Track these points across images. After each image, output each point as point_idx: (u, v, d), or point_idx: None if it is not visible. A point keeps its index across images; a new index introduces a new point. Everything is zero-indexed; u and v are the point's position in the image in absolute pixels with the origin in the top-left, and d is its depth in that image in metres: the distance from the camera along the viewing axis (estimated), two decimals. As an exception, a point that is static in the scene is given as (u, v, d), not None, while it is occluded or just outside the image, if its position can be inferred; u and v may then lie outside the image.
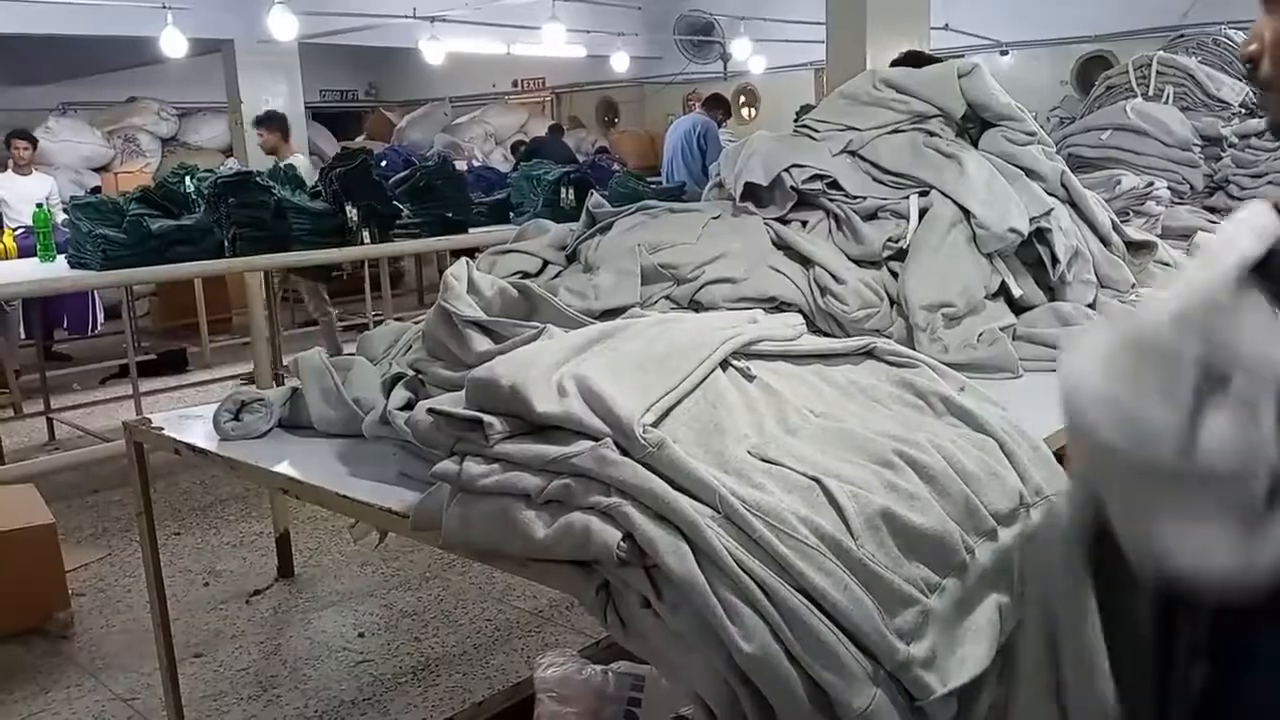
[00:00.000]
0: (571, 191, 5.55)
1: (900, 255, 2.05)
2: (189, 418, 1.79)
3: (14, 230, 5.81)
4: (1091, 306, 2.09)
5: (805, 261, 2.03)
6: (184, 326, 7.71)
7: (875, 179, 2.20)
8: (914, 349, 1.89)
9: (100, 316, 6.38)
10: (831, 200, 2.15)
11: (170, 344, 7.26)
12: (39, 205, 5.09)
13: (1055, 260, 2.05)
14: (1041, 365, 1.92)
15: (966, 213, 2.03)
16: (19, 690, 2.94)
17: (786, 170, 2.18)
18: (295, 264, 4.69)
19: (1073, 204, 2.22)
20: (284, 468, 1.54)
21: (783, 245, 2.08)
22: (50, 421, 5.46)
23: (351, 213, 4.80)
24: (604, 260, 2.12)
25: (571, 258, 2.27)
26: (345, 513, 1.41)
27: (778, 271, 2.01)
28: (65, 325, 6.50)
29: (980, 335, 1.94)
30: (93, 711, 2.82)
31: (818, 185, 2.16)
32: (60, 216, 5.77)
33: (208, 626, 3.29)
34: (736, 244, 2.08)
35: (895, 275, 2.04)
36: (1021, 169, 2.16)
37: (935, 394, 1.33)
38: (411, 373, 1.58)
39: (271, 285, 6.36)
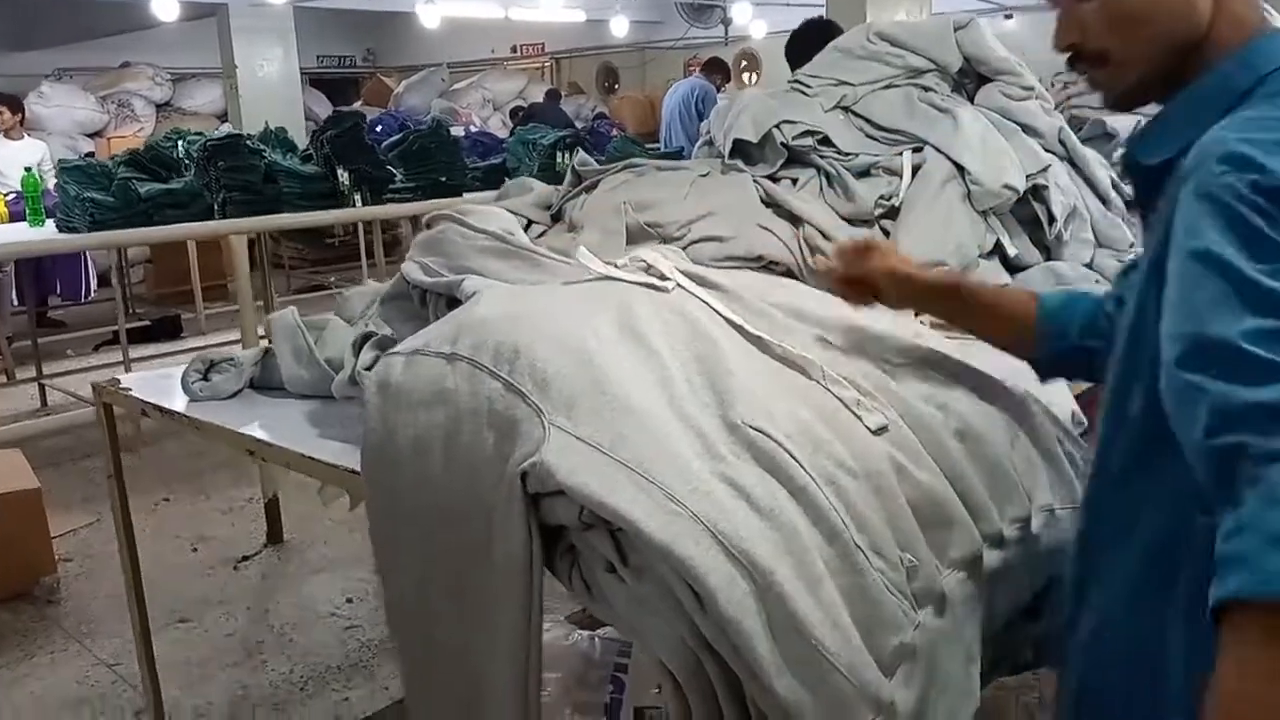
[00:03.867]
0: (567, 156, 5.47)
1: (893, 213, 1.99)
2: (160, 379, 1.75)
3: (4, 196, 5.75)
4: (1089, 266, 2.03)
5: (795, 220, 1.97)
6: (179, 293, 7.64)
7: (868, 135, 2.15)
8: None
9: (94, 283, 6.32)
10: (823, 157, 2.09)
11: (165, 311, 7.20)
12: (27, 170, 5.02)
13: (1052, 218, 1.99)
14: (1036, 326, 1.86)
15: (961, 169, 1.97)
16: (3, 656, 2.91)
17: (777, 126, 2.12)
18: (285, 227, 4.63)
19: (1071, 162, 2.16)
20: (251, 429, 1.49)
21: (772, 203, 2.02)
22: (42, 387, 5.42)
23: (343, 176, 4.73)
24: (589, 219, 2.06)
25: (557, 217, 2.21)
26: (312, 475, 1.37)
27: (766, 230, 1.95)
28: (58, 291, 6.44)
29: (973, 295, 1.88)
30: (75, 676, 2.79)
31: (809, 142, 2.10)
32: (52, 182, 5.70)
33: (195, 592, 3.26)
34: (724, 202, 2.02)
35: (887, 234, 1.99)
36: (1018, 124, 2.10)
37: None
38: (381, 332, 1.53)
39: (263, 250, 6.31)
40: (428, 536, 1.06)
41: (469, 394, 1.06)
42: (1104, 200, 2.16)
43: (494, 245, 1.39)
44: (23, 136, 6.96)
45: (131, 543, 1.81)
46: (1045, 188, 1.98)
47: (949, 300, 1.21)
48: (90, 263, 6.33)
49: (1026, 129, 2.09)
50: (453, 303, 1.35)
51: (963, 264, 1.91)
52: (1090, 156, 2.19)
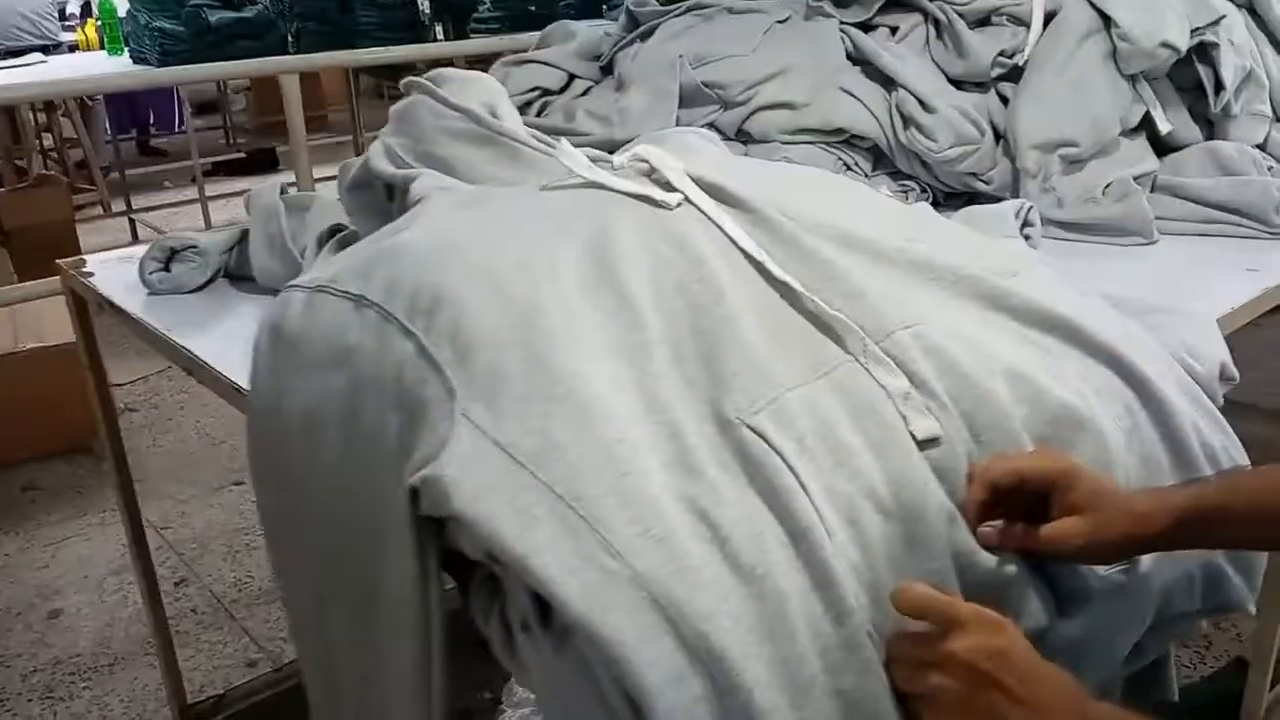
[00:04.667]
0: (669, -19, 5.00)
1: (1015, 74, 1.60)
2: (130, 260, 1.51)
3: (95, 20, 5.59)
4: (1262, 148, 1.60)
5: (888, 82, 1.60)
6: (280, 123, 7.48)
7: (992, -29, 1.72)
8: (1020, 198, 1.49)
9: (187, 112, 6.18)
10: (933, 0, 1.68)
11: (263, 143, 7.06)
12: (103, -7, 4.80)
13: (1220, 86, 1.56)
14: (1188, 227, 1.48)
15: (1107, 20, 1.55)
16: (57, 512, 2.87)
17: (875, -41, 1.71)
18: (360, 63, 4.34)
19: (1252, 10, 1.70)
20: (190, 337, 1.24)
21: (861, 60, 1.64)
22: (132, 222, 5.37)
23: (423, 4, 4.40)
24: (638, 76, 1.72)
25: (608, 69, 1.87)
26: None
27: (850, 95, 1.58)
28: (151, 122, 6.33)
29: (1108, 186, 1.49)
30: (123, 539, 2.72)
31: (914, -21, 1.69)
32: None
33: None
34: (802, 57, 1.65)
35: (1005, 101, 1.60)
36: (1190, -39, 1.64)
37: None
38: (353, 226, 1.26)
39: (350, 82, 6.05)
40: (323, 539, 0.81)
41: (374, 355, 0.78)
42: (1292, 61, 1.70)
43: (469, 128, 1.08)
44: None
45: (119, 452, 1.64)
46: (1215, 45, 1.55)
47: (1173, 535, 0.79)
48: (180, 91, 6.15)
49: (1199, -34, 1.64)
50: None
51: (1097, 144, 1.52)
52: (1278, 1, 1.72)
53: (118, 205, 5.59)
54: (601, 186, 0.93)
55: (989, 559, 0.75)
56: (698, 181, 0.92)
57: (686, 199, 0.91)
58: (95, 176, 5.73)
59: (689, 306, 0.81)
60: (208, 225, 5.12)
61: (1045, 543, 0.76)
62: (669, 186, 0.92)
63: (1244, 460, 0.94)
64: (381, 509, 0.73)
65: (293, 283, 0.87)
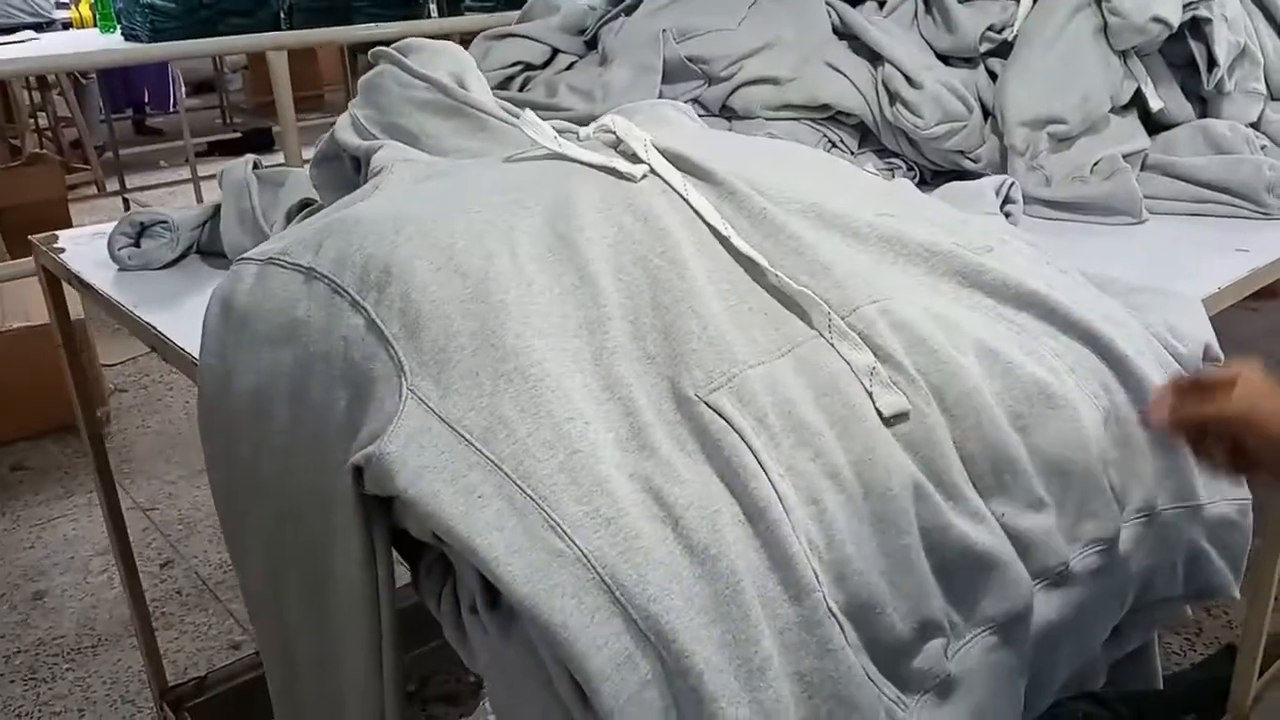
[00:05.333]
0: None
1: (1004, 50, 1.57)
2: (103, 237, 1.48)
3: (93, -5, 5.54)
4: (1255, 126, 1.57)
5: (874, 57, 1.57)
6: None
7: (982, -55, 1.68)
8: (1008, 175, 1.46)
9: (182, 92, 6.14)
10: (921, -27, 1.65)
11: (260, 122, 7.02)
12: (95, -31, 4.76)
13: (1213, 63, 1.53)
14: (1177, 207, 1.45)
15: (1097, -7, 1.52)
16: (45, 491, 2.85)
17: (863, -68, 1.68)
18: (352, 40, 4.29)
19: (1248, -17, 1.66)
20: (156, 314, 1.22)
21: (847, 34, 1.61)
22: (126, 202, 5.34)
23: (418, -20, 4.37)
24: (621, 51, 1.69)
25: (592, 44, 1.84)
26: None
27: (835, 70, 1.55)
28: (146, 100, 6.29)
29: (1096, 164, 1.47)
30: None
31: (903, -47, 1.65)
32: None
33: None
34: (788, 31, 1.62)
35: (994, 76, 1.57)
36: (1182, -68, 1.61)
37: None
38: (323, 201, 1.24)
39: (346, 61, 6.01)
40: (274, 519, 0.79)
41: (322, 330, 0.75)
42: (1286, 36, 1.67)
43: (435, 99, 1.05)
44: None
45: (98, 446, 1.62)
46: (1208, 21, 1.51)
47: None
48: (174, 69, 6.11)
49: (1192, -61, 1.60)
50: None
51: (1086, 121, 1.49)
52: (1275, -23, 1.69)
53: (112, 185, 5.56)
54: (566, 158, 0.90)
55: (961, 534, 0.73)
56: (664, 153, 0.90)
57: (652, 171, 0.88)
58: (89, 155, 5.69)
59: (650, 281, 0.78)
60: (200, 203, 5.10)
61: None
62: (635, 158, 0.89)
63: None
64: (329, 488, 0.71)
65: (244, 255, 0.85)
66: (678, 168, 0.89)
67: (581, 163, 0.89)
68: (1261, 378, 0.77)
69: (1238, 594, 0.95)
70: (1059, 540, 0.77)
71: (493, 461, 0.65)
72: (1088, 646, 0.85)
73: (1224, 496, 0.90)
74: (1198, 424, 0.78)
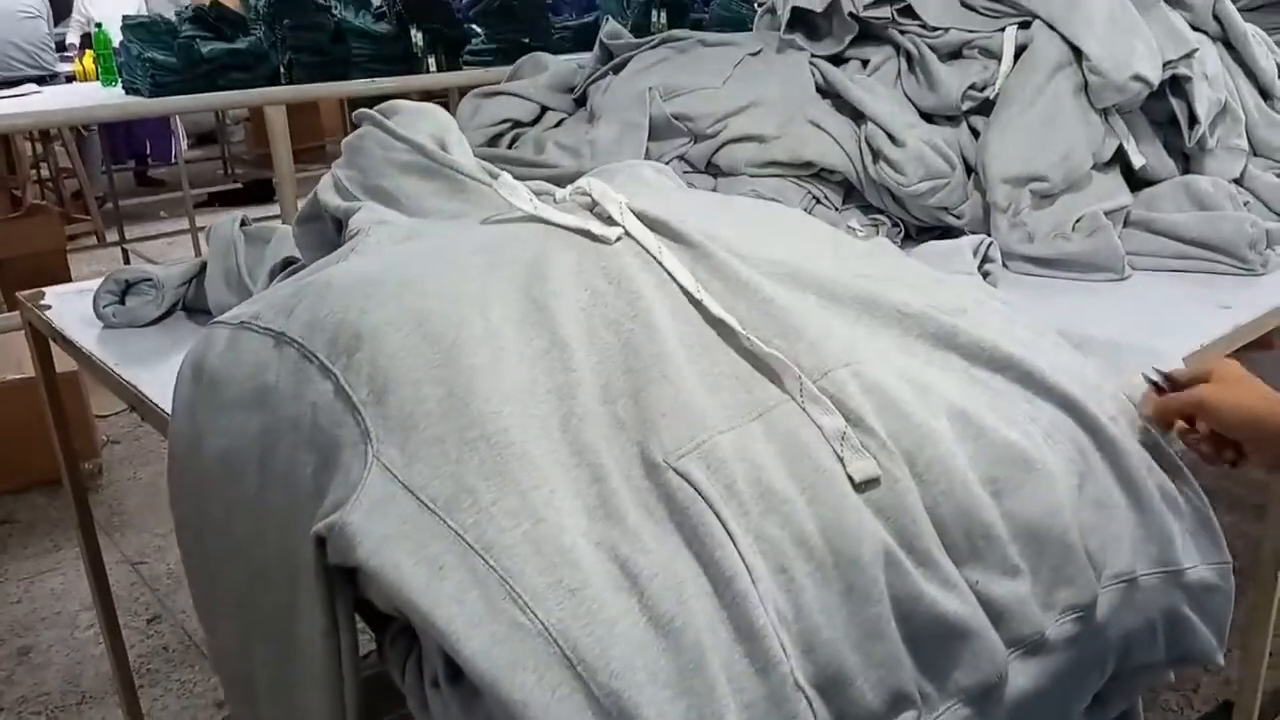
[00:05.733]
0: (664, 14, 5.01)
1: (985, 108, 1.58)
2: (89, 293, 1.49)
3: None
4: (1238, 181, 1.58)
5: (857, 115, 1.58)
6: (277, 154, 7.50)
7: (965, 3, 1.70)
8: (990, 234, 1.47)
9: (184, 144, 6.20)
10: (904, 33, 1.67)
11: (260, 173, 7.08)
12: (98, 26, 4.83)
13: (1194, 120, 1.54)
14: (1160, 264, 1.46)
15: (1078, 53, 1.54)
16: (33, 545, 2.83)
17: (847, -9, 1.70)
18: (350, 94, 4.34)
19: (1227, 43, 1.68)
20: (137, 372, 1.22)
21: (831, 93, 1.62)
22: (125, 252, 5.36)
23: (416, 37, 4.42)
24: (608, 108, 1.71)
25: (581, 102, 1.86)
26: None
27: (819, 128, 1.56)
28: (148, 151, 6.35)
29: (1079, 220, 1.47)
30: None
31: (886, 12, 1.67)
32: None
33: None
34: (772, 90, 1.63)
35: (977, 134, 1.58)
36: (1160, -7, 1.63)
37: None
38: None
39: (345, 114, 6.06)
40: (246, 581, 0.78)
41: (291, 396, 0.75)
42: (1264, 94, 1.69)
43: (415, 160, 1.05)
44: (119, -11, 6.78)
45: (90, 533, 1.62)
46: (1188, 79, 1.53)
47: None
48: (177, 122, 6.18)
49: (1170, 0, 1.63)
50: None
51: (1068, 179, 1.50)
52: (1253, 36, 1.71)
53: (112, 235, 5.59)
54: (541, 220, 0.91)
55: (933, 602, 0.72)
56: (640, 216, 0.90)
57: (627, 233, 0.88)
58: (90, 206, 5.73)
59: (622, 345, 0.78)
60: (199, 256, 5.12)
61: None
62: (611, 220, 0.90)
63: (1204, 504, 0.91)
64: (295, 555, 0.71)
65: (216, 319, 0.85)
66: (653, 230, 0.89)
67: (557, 225, 0.89)
68: (1234, 367, 0.87)
69: (1222, 661, 0.94)
70: (1034, 608, 0.76)
71: (455, 531, 0.65)
72: (1067, 715, 0.84)
73: (1205, 561, 0.89)
74: (1172, 414, 0.88)
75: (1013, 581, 0.76)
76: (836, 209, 1.56)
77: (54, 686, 2.27)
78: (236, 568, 0.78)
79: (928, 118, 1.60)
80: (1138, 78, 1.48)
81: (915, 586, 0.72)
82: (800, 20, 1.75)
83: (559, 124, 1.82)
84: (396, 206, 1.04)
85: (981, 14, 1.66)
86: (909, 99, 1.62)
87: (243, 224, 1.48)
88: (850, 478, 0.72)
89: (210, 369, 0.81)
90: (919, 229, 1.57)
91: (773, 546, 0.68)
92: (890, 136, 1.51)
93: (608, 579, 0.64)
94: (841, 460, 0.73)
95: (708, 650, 0.62)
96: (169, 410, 1.10)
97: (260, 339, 0.80)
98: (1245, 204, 1.51)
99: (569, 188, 0.96)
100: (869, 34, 1.70)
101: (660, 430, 0.73)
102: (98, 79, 4.83)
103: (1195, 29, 1.62)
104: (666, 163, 1.60)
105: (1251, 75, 1.69)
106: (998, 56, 1.59)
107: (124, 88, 4.22)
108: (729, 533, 0.67)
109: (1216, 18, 1.66)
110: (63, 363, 3.17)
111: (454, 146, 1.10)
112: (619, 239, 0.88)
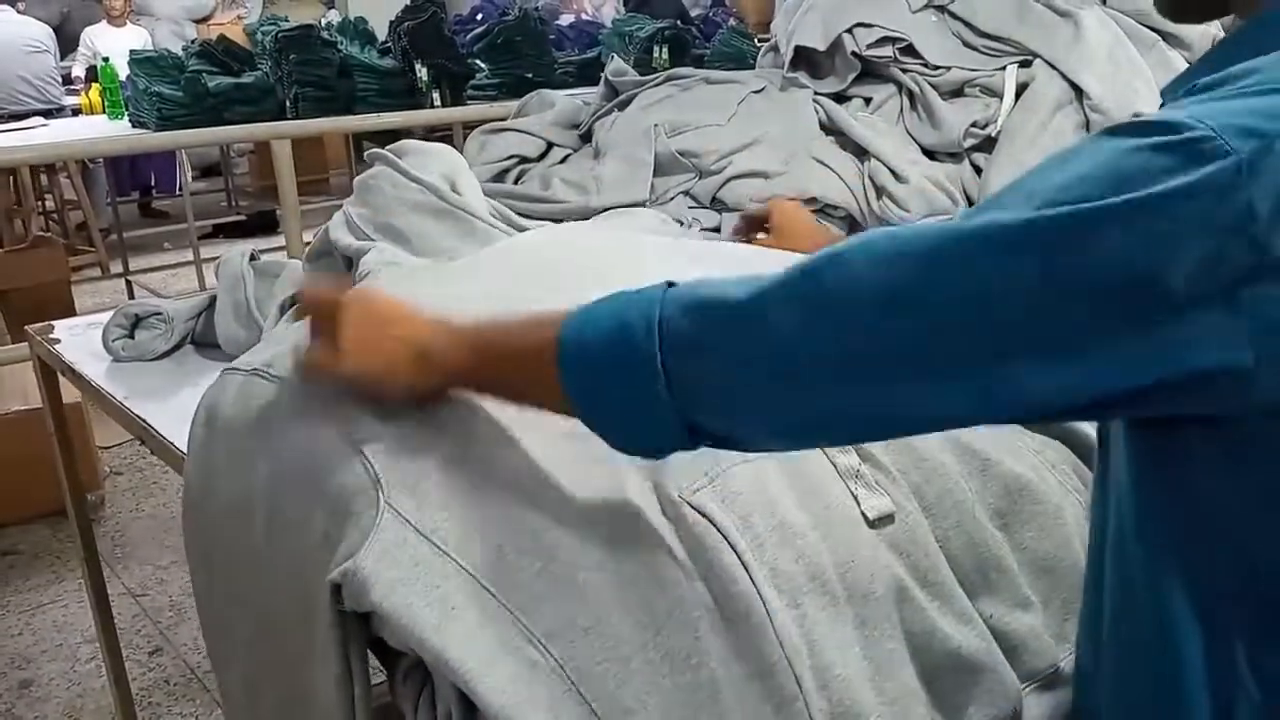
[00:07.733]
0: (665, 50, 5.05)
1: (987, 145, 1.60)
2: (99, 327, 1.50)
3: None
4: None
5: (860, 152, 1.60)
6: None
7: (966, 43, 1.73)
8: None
9: (188, 176, 6.23)
10: (906, 71, 1.69)
11: (263, 205, 7.11)
12: (104, 60, 4.87)
13: (1194, 157, 1.56)
14: (1161, 298, 1.46)
15: (1079, 91, 1.56)
16: (35, 577, 2.83)
17: (849, 31, 1.72)
18: (355, 129, 4.37)
19: (1226, 80, 1.70)
20: (146, 406, 1.23)
21: (834, 130, 1.64)
22: (129, 284, 5.38)
23: (421, 72, 4.45)
24: (614, 144, 1.72)
25: (587, 138, 1.88)
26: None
27: (822, 164, 1.58)
28: (153, 183, 6.38)
29: (1081, 256, 1.49)
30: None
31: (888, 51, 1.70)
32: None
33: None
34: (776, 127, 1.65)
35: (979, 170, 1.60)
36: (1160, 33, 1.65)
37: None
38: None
39: (350, 148, 6.11)
40: (255, 630, 0.79)
41: (300, 444, 0.76)
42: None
43: (427, 200, 1.07)
44: (127, 24, 6.86)
45: (93, 562, 1.62)
46: (1187, 117, 1.55)
47: None
48: (182, 154, 6.22)
49: (1169, 38, 1.65)
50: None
51: (1070, 215, 1.51)
52: (1253, 74, 1.73)
53: (116, 267, 5.61)
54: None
55: (946, 637, 0.73)
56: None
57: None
58: (94, 238, 5.75)
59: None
60: (202, 287, 5.14)
61: None
62: None
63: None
64: (308, 604, 0.71)
65: (231, 365, 0.86)
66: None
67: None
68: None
69: None
70: (1047, 641, 0.77)
71: (467, 571, 0.65)
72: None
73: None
74: None
75: (1026, 614, 0.76)
76: (840, 244, 1.57)
77: (55, 720, 2.26)
78: (248, 612, 0.79)
79: (930, 155, 1.62)
80: (1138, 116, 1.49)
81: (929, 622, 0.72)
82: (803, 59, 1.77)
83: (564, 160, 1.83)
84: (406, 245, 1.05)
85: (983, 53, 1.68)
86: (911, 136, 1.64)
87: (252, 258, 1.50)
88: (864, 515, 0.73)
89: (222, 416, 0.82)
90: (922, 264, 1.58)
91: (787, 579, 0.69)
92: (893, 173, 1.53)
93: (623, 615, 0.65)
94: (855, 497, 0.73)
95: (722, 686, 0.63)
96: (177, 443, 1.11)
97: (270, 387, 0.81)
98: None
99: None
100: (871, 72, 1.72)
101: (674, 464, 0.73)
102: (104, 112, 4.88)
103: (1194, 67, 1.64)
104: (671, 198, 1.62)
105: (1250, 113, 1.71)
106: (999, 94, 1.61)
107: (130, 121, 4.25)
108: (744, 565, 0.68)
109: (1214, 56, 1.68)
110: (66, 394, 3.18)
111: (465, 188, 1.11)
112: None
